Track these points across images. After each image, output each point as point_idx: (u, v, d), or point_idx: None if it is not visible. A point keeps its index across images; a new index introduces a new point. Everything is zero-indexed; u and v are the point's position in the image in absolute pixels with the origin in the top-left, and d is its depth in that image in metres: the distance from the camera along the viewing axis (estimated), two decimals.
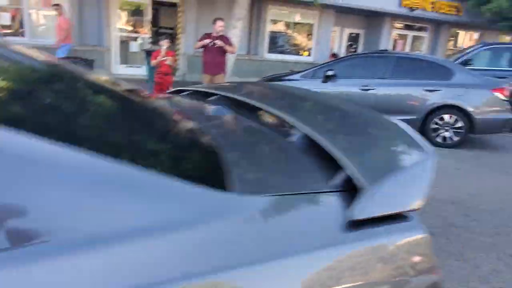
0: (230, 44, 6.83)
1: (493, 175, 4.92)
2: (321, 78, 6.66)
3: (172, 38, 12.93)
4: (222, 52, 6.67)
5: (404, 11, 13.01)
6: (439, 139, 6.15)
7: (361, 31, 14.87)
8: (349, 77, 6.61)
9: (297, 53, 13.47)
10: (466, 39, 16.23)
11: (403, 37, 14.99)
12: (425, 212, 3.56)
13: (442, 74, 6.16)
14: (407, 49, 15.02)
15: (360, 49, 14.75)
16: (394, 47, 14.69)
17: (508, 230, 3.30)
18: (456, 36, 16.07)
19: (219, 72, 6.81)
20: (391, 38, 14.45)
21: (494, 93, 5.86)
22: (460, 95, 5.93)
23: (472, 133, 6.09)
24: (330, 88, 6.64)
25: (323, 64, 7.05)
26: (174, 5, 11.47)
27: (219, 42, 6.51)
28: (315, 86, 6.72)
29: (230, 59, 8.52)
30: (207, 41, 6.52)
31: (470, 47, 9.89)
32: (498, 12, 11.93)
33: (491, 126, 6.01)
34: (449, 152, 5.90)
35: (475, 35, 15.89)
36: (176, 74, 11.66)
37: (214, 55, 6.62)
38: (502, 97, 5.85)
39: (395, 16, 13.70)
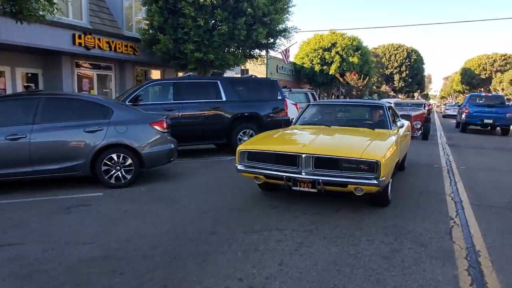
0: None
1: (161, 208, 4.87)
2: None
3: None
4: None
5: (81, 50, 12.50)
6: (113, 181, 5.79)
7: (39, 71, 13.32)
8: None
9: None
10: (155, 75, 17.46)
11: (88, 75, 14.50)
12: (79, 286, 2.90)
13: (100, 112, 5.84)
14: (95, 88, 14.63)
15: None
16: (80, 86, 13.95)
17: (154, 275, 3.07)
18: (144, 73, 17.02)
19: None
20: (75, 77, 13.65)
21: (153, 126, 6.03)
22: (122, 133, 5.77)
23: (143, 167, 6.06)
24: None
25: None
26: None
27: None
28: None
29: None
30: None
31: (137, 84, 10.33)
32: (166, 52, 13.27)
33: (158, 158, 6.16)
34: (123, 192, 5.61)
35: (159, 72, 17.35)
36: None
37: None
38: (161, 130, 6.11)
39: (74, 55, 13.00)
